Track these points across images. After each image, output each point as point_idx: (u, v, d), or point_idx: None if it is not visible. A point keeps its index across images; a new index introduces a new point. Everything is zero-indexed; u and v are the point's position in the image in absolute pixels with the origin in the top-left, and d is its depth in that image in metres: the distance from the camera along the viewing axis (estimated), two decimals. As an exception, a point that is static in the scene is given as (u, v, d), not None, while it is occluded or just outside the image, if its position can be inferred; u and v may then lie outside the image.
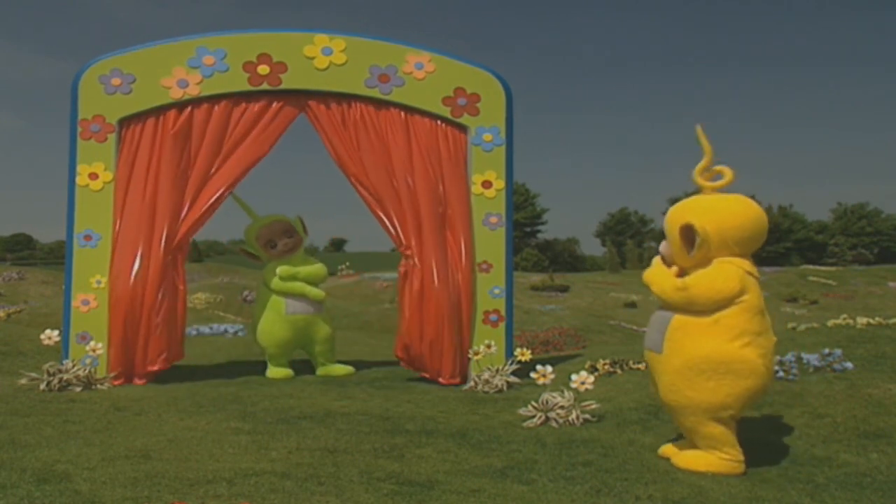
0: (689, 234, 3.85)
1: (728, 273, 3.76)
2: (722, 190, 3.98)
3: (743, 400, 3.77)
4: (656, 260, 4.08)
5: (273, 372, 6.95)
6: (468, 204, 6.83)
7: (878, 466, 3.95)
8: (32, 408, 5.12)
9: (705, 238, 3.74)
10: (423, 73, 6.82)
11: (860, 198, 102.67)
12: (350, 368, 7.18)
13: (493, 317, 6.83)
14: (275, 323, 6.96)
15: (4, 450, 3.86)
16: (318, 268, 7.21)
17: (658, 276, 3.97)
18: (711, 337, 3.74)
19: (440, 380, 6.61)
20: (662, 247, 4.09)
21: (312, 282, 7.09)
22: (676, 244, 3.92)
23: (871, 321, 7.37)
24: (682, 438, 4.19)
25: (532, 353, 6.73)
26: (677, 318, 3.86)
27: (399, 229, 6.74)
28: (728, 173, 3.96)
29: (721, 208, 3.84)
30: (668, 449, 4.13)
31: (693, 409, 3.80)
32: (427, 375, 6.69)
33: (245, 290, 17.36)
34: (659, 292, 3.92)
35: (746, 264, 3.83)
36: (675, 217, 3.95)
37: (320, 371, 7.12)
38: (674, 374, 3.83)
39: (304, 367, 7.24)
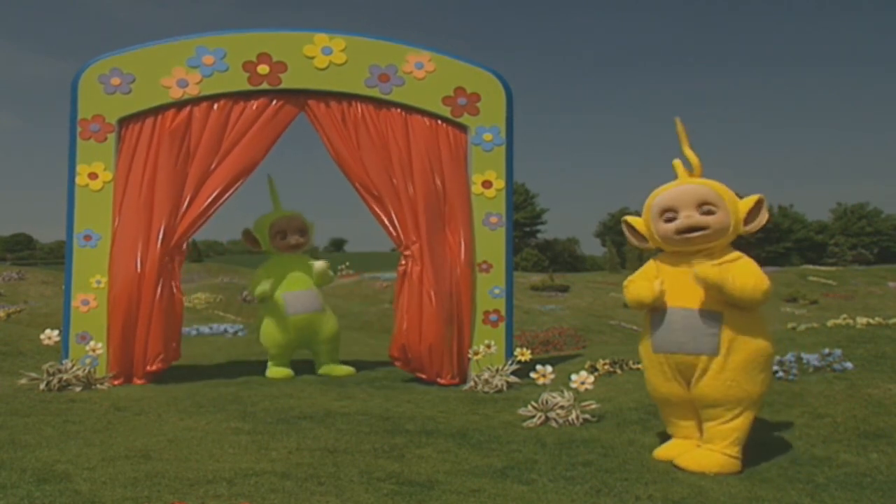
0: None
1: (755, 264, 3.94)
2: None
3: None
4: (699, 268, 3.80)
5: (273, 372, 6.94)
6: (468, 203, 6.83)
7: (878, 466, 3.95)
8: (32, 408, 5.11)
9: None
10: (423, 73, 6.82)
11: (860, 198, 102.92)
12: (351, 369, 7.16)
13: (493, 317, 6.82)
14: (277, 325, 6.95)
15: (4, 450, 3.86)
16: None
17: (737, 275, 3.76)
18: (760, 330, 3.87)
19: (439, 380, 6.61)
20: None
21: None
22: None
23: (871, 321, 7.37)
24: (673, 439, 4.18)
25: (532, 353, 6.72)
26: (732, 316, 3.80)
27: (399, 229, 6.73)
28: (694, 160, 4.06)
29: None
30: (664, 451, 4.10)
31: (747, 402, 3.84)
32: (424, 376, 6.68)
33: (245, 290, 17.33)
34: (750, 294, 3.72)
35: None
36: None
37: (322, 370, 7.11)
38: (734, 371, 3.81)
39: (304, 367, 7.24)
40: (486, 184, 6.88)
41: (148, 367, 6.45)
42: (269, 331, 6.98)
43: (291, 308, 6.92)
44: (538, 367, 5.79)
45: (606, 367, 6.55)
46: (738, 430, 3.85)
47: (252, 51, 6.69)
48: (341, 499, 3.15)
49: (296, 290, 6.99)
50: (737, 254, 3.94)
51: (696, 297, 3.85)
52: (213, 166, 6.66)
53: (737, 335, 3.82)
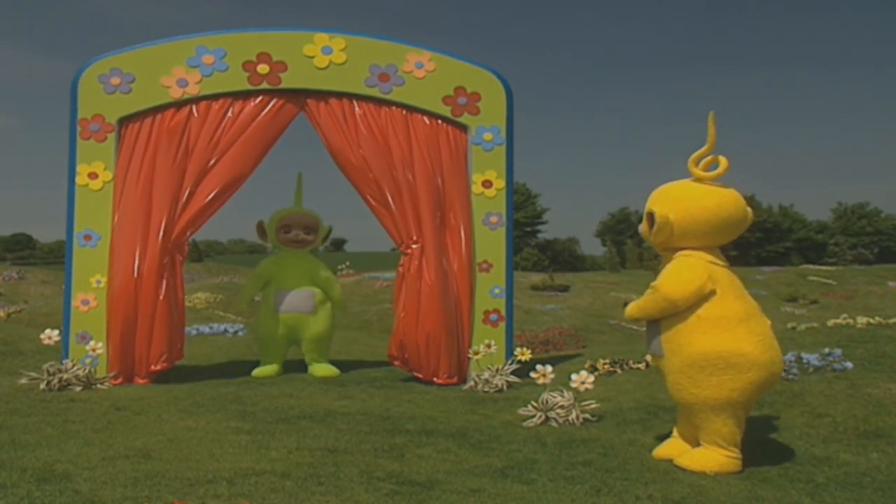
0: (652, 219, 3.96)
1: (691, 264, 3.86)
2: (718, 180, 3.97)
3: (749, 393, 3.77)
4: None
5: (257, 371, 6.93)
6: (468, 203, 6.83)
7: (878, 466, 3.95)
8: (32, 408, 5.11)
9: (662, 226, 3.88)
10: (423, 73, 6.82)
11: (860, 198, 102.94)
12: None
13: (493, 316, 6.82)
14: (266, 321, 7.01)
15: (4, 450, 3.86)
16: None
17: (632, 304, 4.08)
18: (702, 332, 3.77)
19: (436, 380, 6.60)
20: (641, 227, 4.20)
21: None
22: (644, 226, 4.07)
23: (871, 321, 7.39)
24: (671, 438, 4.19)
25: (532, 353, 6.71)
26: (666, 321, 3.91)
27: (399, 228, 6.73)
28: (723, 163, 3.96)
29: (692, 198, 3.89)
30: (662, 451, 4.11)
31: (700, 406, 3.81)
32: (421, 375, 6.67)
33: (245, 290, 17.31)
34: (639, 311, 3.97)
35: (708, 256, 3.89)
36: (650, 200, 4.06)
37: (308, 371, 7.08)
38: (677, 374, 3.85)
39: (302, 366, 7.22)
40: (487, 183, 6.88)
41: (152, 367, 6.45)
42: (260, 325, 7.09)
43: (279, 306, 6.96)
44: (538, 366, 5.77)
45: (606, 366, 6.55)
46: (713, 434, 3.82)
47: (252, 50, 6.68)
48: (341, 499, 3.15)
49: (287, 288, 7.00)
50: (677, 255, 3.97)
51: None
52: (210, 164, 6.64)
53: (672, 337, 3.87)
